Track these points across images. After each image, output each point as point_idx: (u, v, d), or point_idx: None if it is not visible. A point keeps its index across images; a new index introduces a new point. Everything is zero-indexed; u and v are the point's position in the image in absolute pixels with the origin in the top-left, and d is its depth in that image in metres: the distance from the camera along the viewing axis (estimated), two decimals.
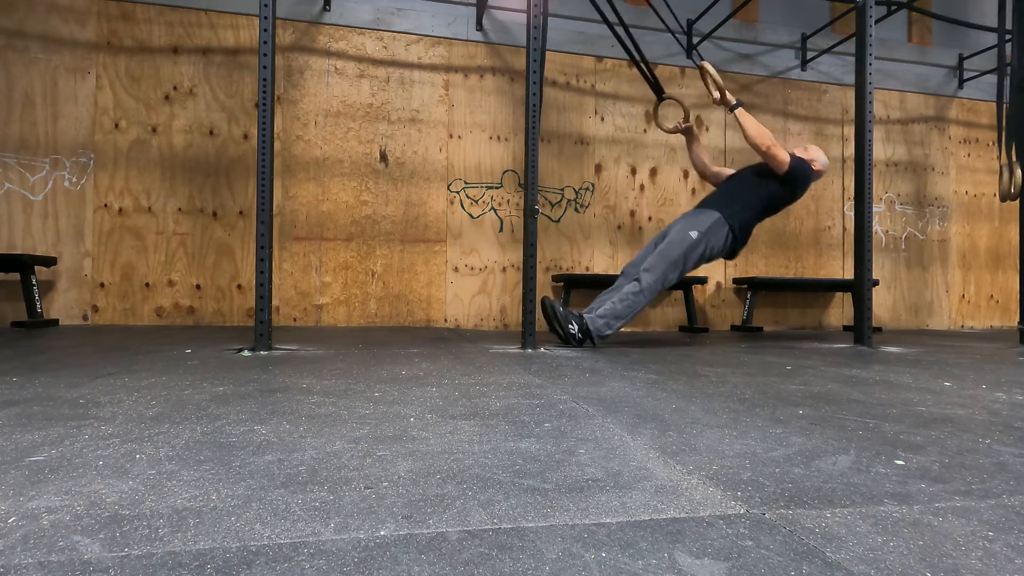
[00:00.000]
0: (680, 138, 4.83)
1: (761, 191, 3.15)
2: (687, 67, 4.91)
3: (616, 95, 4.76)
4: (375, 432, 1.19)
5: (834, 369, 2.31)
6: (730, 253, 3.20)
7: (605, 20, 3.66)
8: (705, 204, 3.22)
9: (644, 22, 4.61)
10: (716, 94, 3.15)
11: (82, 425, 1.19)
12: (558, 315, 2.95)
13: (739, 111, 3.10)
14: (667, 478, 0.94)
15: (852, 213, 5.22)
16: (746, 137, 3.08)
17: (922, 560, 0.67)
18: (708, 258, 3.12)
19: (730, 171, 3.45)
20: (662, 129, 3.64)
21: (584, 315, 2.98)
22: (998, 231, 5.69)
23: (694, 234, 3.03)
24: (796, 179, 3.14)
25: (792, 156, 3.12)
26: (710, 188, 4.91)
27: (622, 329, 3.74)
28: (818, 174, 3.26)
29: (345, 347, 2.77)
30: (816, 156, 3.26)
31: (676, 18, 4.45)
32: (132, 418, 1.26)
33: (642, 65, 3.73)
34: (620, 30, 3.85)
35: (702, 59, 3.35)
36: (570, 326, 2.95)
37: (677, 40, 4.53)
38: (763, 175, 3.18)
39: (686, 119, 3.48)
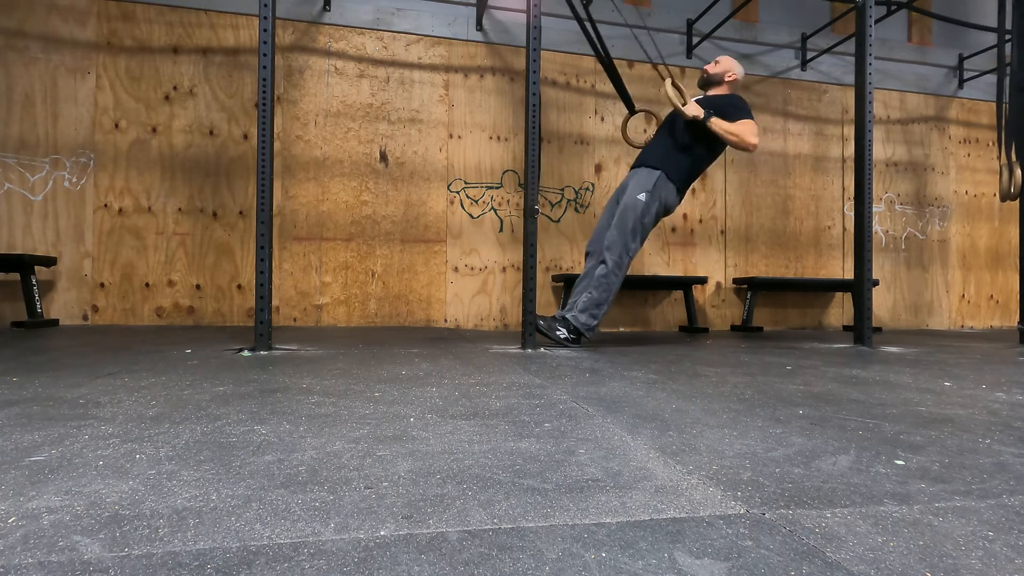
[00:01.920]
0: None
1: (691, 135, 3.06)
2: (687, 67, 4.91)
3: (616, 95, 4.75)
4: (375, 432, 1.19)
5: (834, 369, 2.31)
6: (680, 199, 3.18)
7: (579, 22, 3.52)
8: (643, 161, 3.15)
9: (644, 22, 4.60)
10: (689, 114, 3.00)
11: (82, 425, 1.19)
12: (542, 329, 2.98)
13: (711, 122, 2.97)
14: (667, 478, 0.94)
15: (852, 213, 5.22)
16: (728, 144, 3.03)
17: (922, 560, 0.67)
18: (665, 212, 3.11)
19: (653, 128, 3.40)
20: (632, 144, 3.53)
21: (567, 315, 2.99)
22: (998, 231, 5.69)
23: (643, 196, 3.01)
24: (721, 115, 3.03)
25: (751, 122, 3.00)
26: (710, 187, 4.93)
27: (622, 329, 3.74)
28: (734, 83, 3.21)
29: (345, 347, 2.77)
30: (728, 67, 3.19)
31: (677, 15, 4.45)
32: (132, 418, 1.26)
33: (615, 78, 3.59)
34: (623, 29, 3.82)
35: (668, 75, 3.17)
36: (559, 332, 2.97)
37: (681, 36, 4.52)
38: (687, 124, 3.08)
39: (632, 112, 3.55)
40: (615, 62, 4.74)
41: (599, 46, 3.53)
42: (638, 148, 3.44)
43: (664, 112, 3.94)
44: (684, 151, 3.08)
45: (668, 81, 3.03)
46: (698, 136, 3.05)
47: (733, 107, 3.05)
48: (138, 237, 3.96)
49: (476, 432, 1.20)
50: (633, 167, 3.23)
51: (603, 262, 3.01)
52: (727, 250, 4.97)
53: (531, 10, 2.88)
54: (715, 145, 3.10)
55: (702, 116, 2.96)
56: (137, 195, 3.96)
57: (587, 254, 3.15)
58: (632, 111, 3.67)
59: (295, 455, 1.02)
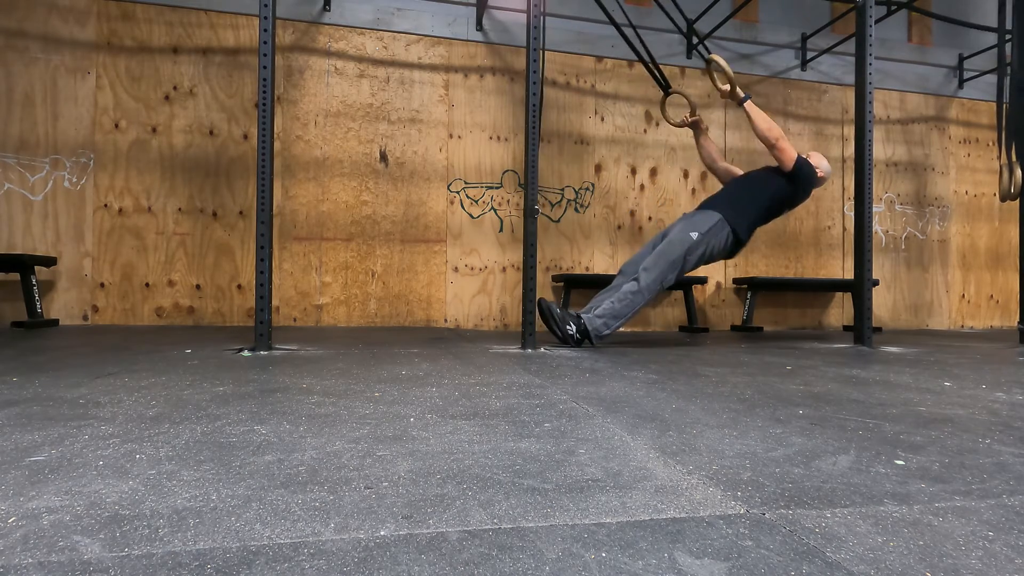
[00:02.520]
0: (680, 138, 4.84)
1: (765, 192, 3.15)
2: (687, 67, 4.91)
3: (616, 95, 4.76)
4: (375, 432, 1.19)
5: (834, 369, 2.31)
6: (729, 254, 3.20)
7: (611, 19, 3.64)
8: (707, 205, 3.21)
9: (645, 22, 4.61)
10: (726, 87, 3.16)
11: (82, 425, 1.19)
12: (555, 316, 2.95)
13: (748, 104, 3.10)
14: (667, 478, 0.94)
15: (852, 213, 5.22)
16: (755, 130, 3.08)
17: (922, 560, 0.67)
18: (708, 259, 3.12)
19: (738, 170, 3.44)
20: (669, 123, 3.63)
21: (582, 315, 2.98)
22: (998, 231, 5.69)
23: (695, 235, 3.03)
24: (800, 179, 3.14)
25: (799, 156, 3.12)
26: (711, 188, 4.92)
27: (621, 329, 3.73)
28: (821, 180, 3.26)
29: (345, 347, 2.77)
30: (820, 163, 3.27)
31: (680, 14, 4.45)
32: (132, 418, 1.26)
33: (647, 62, 3.72)
34: (626, 30, 3.85)
35: (710, 52, 3.33)
36: (568, 327, 2.95)
37: (681, 36, 4.53)
38: (768, 177, 3.19)
39: (692, 113, 3.48)
40: (617, 62, 4.76)
41: (638, 44, 3.72)
42: (674, 127, 3.65)
43: (669, 110, 3.93)
44: (749, 205, 3.14)
45: (717, 56, 3.14)
46: (768, 195, 3.15)
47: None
48: (138, 237, 3.96)
49: (476, 432, 1.20)
50: (698, 208, 3.28)
51: (636, 279, 3.00)
52: None
53: (531, 10, 2.88)
54: (782, 208, 3.23)
55: (743, 95, 3.12)
56: (137, 195, 3.96)
57: (620, 272, 3.17)
58: (667, 92, 3.73)
59: (295, 455, 1.02)
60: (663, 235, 3.19)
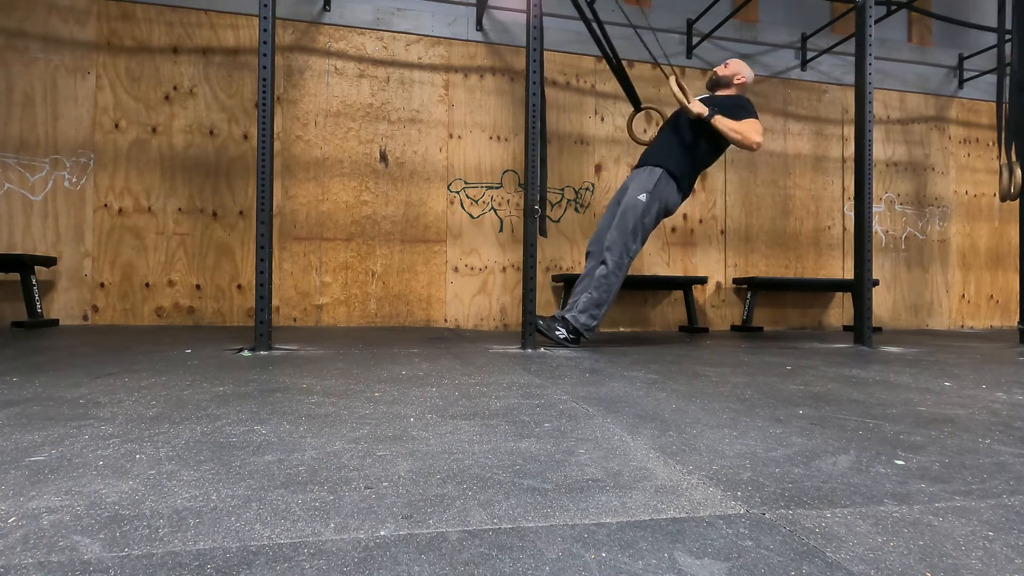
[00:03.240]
0: None
1: (695, 133, 3.07)
2: (687, 67, 4.91)
3: (616, 95, 4.75)
4: (375, 432, 1.19)
5: (834, 369, 2.31)
6: (683, 199, 3.17)
7: (584, 19, 3.52)
8: (646, 160, 3.16)
9: (645, 22, 4.61)
10: (690, 114, 3.02)
11: (82, 425, 1.19)
12: (541, 329, 2.98)
13: (716, 119, 2.98)
14: (667, 478, 0.94)
15: (852, 213, 5.22)
16: (730, 141, 3.02)
17: (922, 560, 0.67)
18: (666, 213, 3.10)
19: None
20: (637, 142, 3.55)
21: (566, 315, 2.99)
22: (998, 231, 5.69)
23: (643, 197, 3.00)
24: (725, 112, 3.04)
25: (754, 120, 3.01)
26: (710, 188, 4.93)
27: (622, 329, 3.74)
28: (740, 85, 3.21)
29: (345, 347, 2.77)
30: (737, 70, 3.20)
31: (675, 16, 4.44)
32: (132, 418, 1.26)
33: (621, 76, 3.58)
34: (624, 28, 3.80)
35: (672, 73, 3.19)
36: (558, 333, 2.97)
37: (681, 36, 4.52)
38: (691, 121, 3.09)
39: (639, 110, 3.52)
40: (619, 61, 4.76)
41: (606, 45, 3.52)
42: (642, 145, 3.47)
43: (668, 111, 3.95)
44: (687, 149, 3.08)
45: (673, 79, 3.04)
46: (701, 134, 3.06)
47: (739, 107, 3.06)
48: (138, 237, 3.96)
49: (476, 432, 1.20)
50: (635, 167, 3.23)
51: (603, 263, 3.00)
52: (727, 250, 4.97)
53: (531, 10, 2.87)
54: (719, 143, 3.10)
55: (707, 114, 2.97)
56: (137, 195, 3.96)
57: (587, 254, 3.15)
58: (638, 108, 3.67)
59: (295, 455, 1.02)
60: (617, 201, 3.17)
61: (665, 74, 3.22)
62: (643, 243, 3.09)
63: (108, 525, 0.72)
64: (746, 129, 2.97)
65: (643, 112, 4.00)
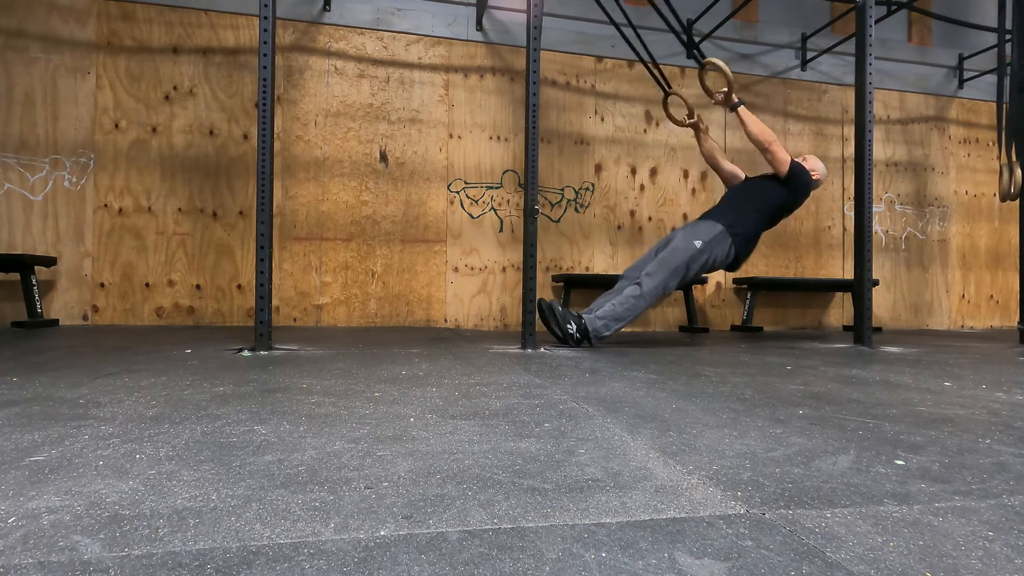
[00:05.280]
0: (680, 138, 4.84)
1: (765, 202, 3.18)
2: (687, 67, 4.91)
3: (616, 95, 4.76)
4: (375, 432, 1.19)
5: (834, 369, 2.31)
6: (732, 265, 3.21)
7: (611, 20, 3.64)
8: (709, 215, 3.24)
9: (644, 22, 4.61)
10: (721, 92, 3.19)
11: (82, 425, 1.19)
12: (556, 315, 2.96)
13: (741, 109, 3.14)
14: (667, 478, 0.94)
15: (852, 213, 5.22)
16: (748, 135, 3.11)
17: (922, 560, 0.67)
18: (710, 268, 3.15)
19: (740, 172, 3.46)
20: (672, 121, 3.64)
21: (583, 316, 2.98)
22: (998, 231, 5.69)
23: (698, 243, 3.04)
24: (796, 184, 3.16)
25: (792, 160, 3.14)
26: (711, 188, 4.93)
27: (622, 329, 3.74)
28: (817, 183, 3.29)
29: (345, 347, 2.77)
30: (815, 166, 3.29)
31: (677, 18, 4.45)
32: (132, 418, 1.26)
33: (647, 62, 3.73)
34: (625, 30, 3.84)
35: (704, 57, 3.34)
36: (568, 326, 2.95)
37: (680, 39, 4.53)
38: (766, 185, 3.21)
39: (691, 115, 3.50)
40: (617, 62, 4.76)
41: (637, 44, 3.63)
42: (677, 125, 3.63)
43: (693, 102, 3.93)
44: (750, 215, 3.16)
45: (718, 60, 3.17)
46: (766, 207, 3.17)
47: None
48: (138, 237, 3.96)
49: (476, 432, 1.20)
50: (700, 217, 3.29)
51: (639, 283, 3.01)
52: None
53: (531, 10, 2.88)
54: (778, 217, 3.26)
55: (736, 100, 3.15)
56: (137, 195, 3.96)
57: (623, 277, 3.18)
58: (668, 93, 3.76)
59: (295, 455, 1.02)
60: (666, 242, 3.20)
61: (700, 62, 3.32)
62: (678, 288, 3.16)
63: (108, 525, 0.72)
64: (771, 136, 3.09)
65: (672, 96, 4.06)
